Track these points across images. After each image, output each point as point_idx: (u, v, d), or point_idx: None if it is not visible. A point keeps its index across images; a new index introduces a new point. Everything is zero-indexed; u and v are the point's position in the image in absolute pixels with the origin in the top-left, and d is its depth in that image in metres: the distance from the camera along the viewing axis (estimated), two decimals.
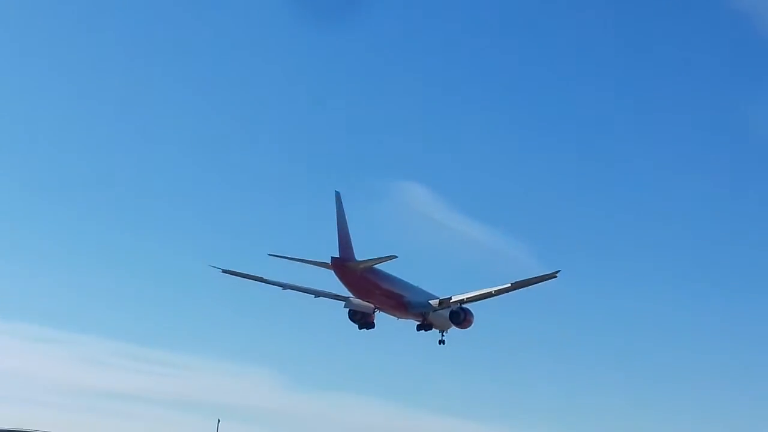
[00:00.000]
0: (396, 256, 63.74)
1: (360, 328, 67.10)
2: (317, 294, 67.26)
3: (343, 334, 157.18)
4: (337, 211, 64.91)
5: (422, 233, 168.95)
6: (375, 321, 65.89)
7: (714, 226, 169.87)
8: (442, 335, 65.27)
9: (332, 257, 64.78)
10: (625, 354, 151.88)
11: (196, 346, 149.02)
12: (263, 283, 70.09)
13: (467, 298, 64.60)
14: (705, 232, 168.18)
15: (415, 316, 65.51)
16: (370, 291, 65.65)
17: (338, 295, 67.39)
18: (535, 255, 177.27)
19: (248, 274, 69.34)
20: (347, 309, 67.07)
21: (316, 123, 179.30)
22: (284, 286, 67.89)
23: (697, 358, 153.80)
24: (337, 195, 65.85)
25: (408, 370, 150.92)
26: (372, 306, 66.34)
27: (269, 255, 67.46)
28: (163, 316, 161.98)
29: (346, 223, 64.79)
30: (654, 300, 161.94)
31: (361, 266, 64.73)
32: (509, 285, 63.21)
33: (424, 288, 67.17)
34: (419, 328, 65.43)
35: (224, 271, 70.68)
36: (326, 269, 67.71)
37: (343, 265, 63.92)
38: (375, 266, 66.23)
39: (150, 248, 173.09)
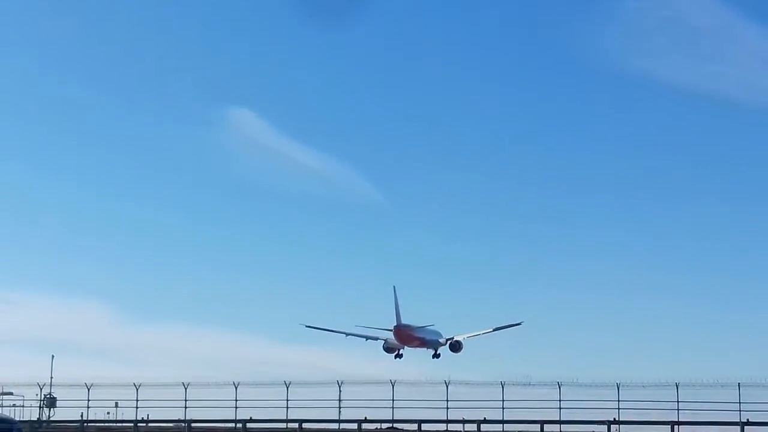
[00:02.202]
0: (433, 324, 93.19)
1: (395, 357, 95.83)
2: (368, 338, 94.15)
3: (177, 267, 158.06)
4: (395, 299, 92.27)
5: (255, 161, 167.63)
6: (403, 352, 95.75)
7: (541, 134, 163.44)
8: (438, 351, 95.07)
9: (394, 326, 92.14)
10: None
11: (24, 281, 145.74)
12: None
13: (464, 338, 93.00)
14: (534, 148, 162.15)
15: (430, 349, 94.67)
16: (411, 340, 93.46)
17: (378, 338, 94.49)
18: (372, 183, 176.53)
19: (325, 328, 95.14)
20: (384, 347, 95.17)
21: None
22: (347, 333, 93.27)
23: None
24: (394, 288, 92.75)
25: (247, 298, 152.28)
26: (403, 345, 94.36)
27: (356, 326, 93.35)
28: None
29: (398, 305, 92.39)
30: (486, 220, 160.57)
31: (410, 329, 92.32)
32: (491, 329, 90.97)
33: (436, 329, 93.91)
34: (434, 356, 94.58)
35: (307, 326, 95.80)
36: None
37: (400, 330, 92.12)
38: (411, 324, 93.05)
39: None
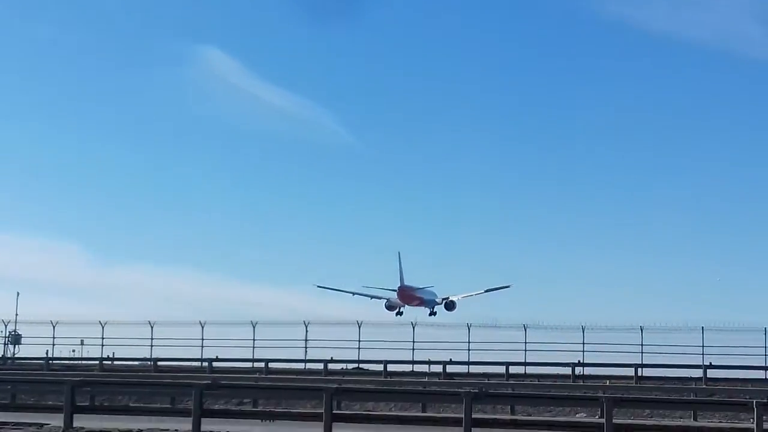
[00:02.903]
0: (432, 285, 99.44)
1: (396, 315, 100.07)
2: (372, 297, 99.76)
3: (144, 206, 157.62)
4: (399, 262, 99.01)
5: (226, 101, 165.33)
6: (403, 310, 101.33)
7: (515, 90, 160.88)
8: (434, 309, 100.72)
9: (399, 287, 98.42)
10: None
11: None
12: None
13: (458, 298, 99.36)
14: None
15: (428, 307, 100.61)
16: (412, 300, 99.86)
17: (382, 297, 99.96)
18: (342, 123, 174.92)
19: (336, 288, 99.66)
20: (386, 305, 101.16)
21: None
22: (353, 293, 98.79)
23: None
24: (399, 253, 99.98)
25: (222, 240, 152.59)
26: (405, 304, 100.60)
27: (364, 287, 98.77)
28: None
29: (402, 268, 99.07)
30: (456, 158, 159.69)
31: (412, 290, 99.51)
32: (483, 291, 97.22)
33: (434, 290, 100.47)
34: (430, 314, 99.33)
35: (319, 287, 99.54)
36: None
37: (404, 290, 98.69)
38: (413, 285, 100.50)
39: None
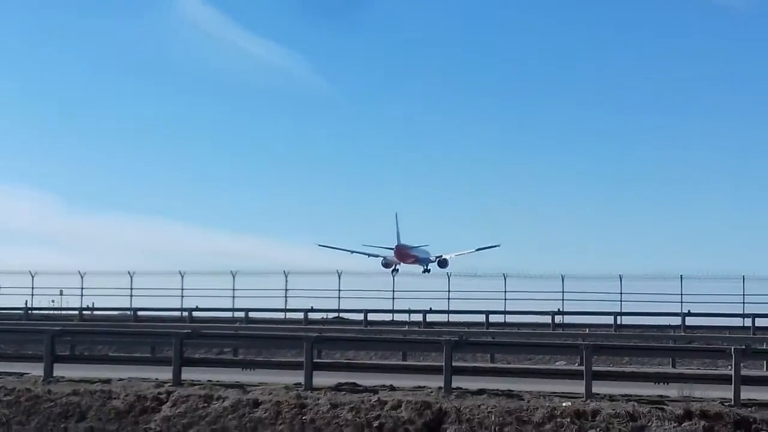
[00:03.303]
0: (428, 244, 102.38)
1: (392, 272, 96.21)
2: (370, 255, 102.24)
3: (122, 155, 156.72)
4: (396, 223, 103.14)
5: (199, 48, 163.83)
6: (398, 267, 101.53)
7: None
8: (428, 267, 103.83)
9: (396, 245, 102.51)
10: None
11: None
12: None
13: (451, 256, 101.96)
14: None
15: (422, 265, 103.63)
16: (407, 258, 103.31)
17: (379, 255, 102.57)
18: (317, 71, 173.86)
19: (336, 247, 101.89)
20: (383, 263, 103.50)
21: None
22: (351, 251, 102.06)
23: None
24: (396, 214, 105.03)
25: (203, 189, 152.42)
26: (400, 262, 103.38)
27: (363, 245, 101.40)
28: None
29: (399, 228, 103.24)
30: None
31: (408, 248, 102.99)
32: (474, 249, 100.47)
33: (428, 248, 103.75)
34: (424, 271, 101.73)
35: (320, 245, 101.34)
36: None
37: (400, 249, 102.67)
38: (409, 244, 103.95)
39: None
